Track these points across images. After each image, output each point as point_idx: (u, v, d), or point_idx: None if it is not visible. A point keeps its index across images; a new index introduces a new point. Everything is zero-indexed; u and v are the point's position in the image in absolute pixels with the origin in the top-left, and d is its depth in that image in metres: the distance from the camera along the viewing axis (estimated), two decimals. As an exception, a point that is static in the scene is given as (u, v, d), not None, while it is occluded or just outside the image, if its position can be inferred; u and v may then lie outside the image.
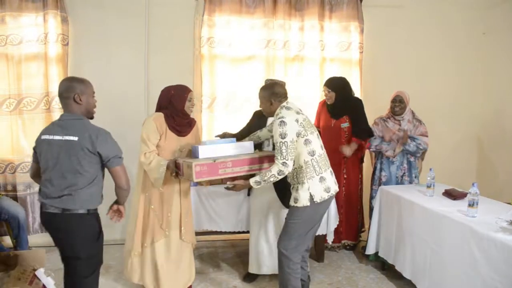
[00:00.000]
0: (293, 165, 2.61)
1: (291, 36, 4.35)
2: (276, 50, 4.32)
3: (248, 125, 3.47)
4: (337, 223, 3.72)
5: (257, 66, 4.34)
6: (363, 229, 4.22)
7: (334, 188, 2.73)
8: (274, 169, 2.55)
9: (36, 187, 4.03)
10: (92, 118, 2.43)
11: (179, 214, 2.96)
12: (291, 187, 2.76)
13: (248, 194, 3.51)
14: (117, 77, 4.16)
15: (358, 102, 3.94)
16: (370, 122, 3.95)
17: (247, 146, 2.92)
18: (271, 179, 2.58)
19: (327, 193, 2.65)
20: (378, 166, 3.89)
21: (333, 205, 3.63)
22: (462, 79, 4.78)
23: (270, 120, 3.28)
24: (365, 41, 4.44)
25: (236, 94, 4.31)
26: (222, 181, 3.48)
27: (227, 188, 2.78)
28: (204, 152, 2.71)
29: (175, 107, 2.84)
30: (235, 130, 3.49)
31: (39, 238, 4.10)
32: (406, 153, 3.79)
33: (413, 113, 3.85)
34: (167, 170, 2.71)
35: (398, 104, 3.76)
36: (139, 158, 2.78)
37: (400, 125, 3.79)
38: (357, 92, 4.36)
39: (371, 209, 3.84)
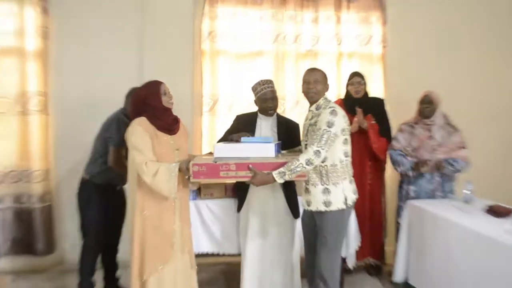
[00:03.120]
0: (324, 161, 2.52)
1: (303, 29, 4.20)
2: (287, 45, 4.19)
3: (231, 131, 3.10)
4: (359, 244, 3.33)
5: (265, 63, 4.20)
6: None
7: (357, 192, 2.73)
8: (303, 158, 2.43)
9: (7, 202, 3.75)
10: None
11: (183, 230, 2.58)
12: (321, 188, 2.56)
13: (238, 211, 3.12)
14: (106, 76, 3.94)
15: (381, 100, 3.77)
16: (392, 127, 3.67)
17: (269, 148, 2.70)
18: (298, 169, 2.43)
19: (355, 195, 2.66)
20: (406, 178, 3.48)
21: (353, 221, 3.24)
22: (504, 77, 4.36)
23: (261, 124, 3.11)
24: (389, 34, 4.23)
25: (241, 95, 4.11)
26: (225, 193, 3.28)
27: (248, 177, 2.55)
28: (219, 151, 2.69)
29: (154, 107, 2.52)
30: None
31: (8, 262, 3.78)
32: None
33: (446, 117, 3.44)
34: (180, 173, 2.48)
35: (427, 106, 3.39)
36: (139, 170, 2.36)
37: (430, 131, 3.37)
38: (380, 93, 4.18)
39: (397, 229, 3.44)
